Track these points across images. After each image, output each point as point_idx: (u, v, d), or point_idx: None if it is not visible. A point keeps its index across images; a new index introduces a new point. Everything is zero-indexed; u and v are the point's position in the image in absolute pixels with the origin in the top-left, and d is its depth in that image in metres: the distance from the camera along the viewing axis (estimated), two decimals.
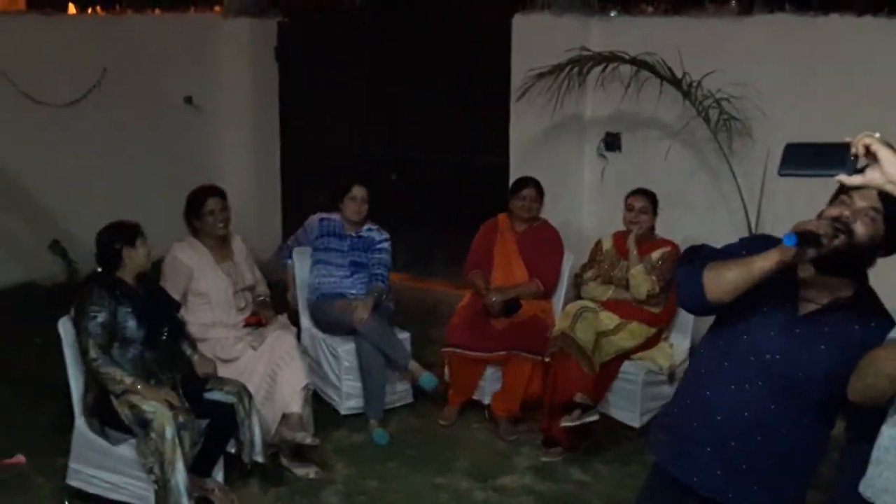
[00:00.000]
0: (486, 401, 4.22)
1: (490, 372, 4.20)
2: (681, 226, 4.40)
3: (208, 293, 3.86)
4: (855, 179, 1.61)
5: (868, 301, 2.08)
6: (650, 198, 4.09)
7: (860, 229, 1.97)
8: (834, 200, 2.02)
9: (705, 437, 2.16)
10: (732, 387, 2.11)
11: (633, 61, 4.61)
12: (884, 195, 1.65)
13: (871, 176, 1.60)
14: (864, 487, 1.89)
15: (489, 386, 4.22)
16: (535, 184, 4.36)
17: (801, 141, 1.71)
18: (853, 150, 1.61)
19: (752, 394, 2.10)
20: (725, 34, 4.70)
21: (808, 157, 1.74)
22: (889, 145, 1.57)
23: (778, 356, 2.08)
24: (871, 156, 1.58)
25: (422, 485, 3.68)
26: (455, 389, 4.24)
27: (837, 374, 1.97)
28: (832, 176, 1.62)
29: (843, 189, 2.01)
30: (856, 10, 4.37)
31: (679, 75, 4.54)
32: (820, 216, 2.00)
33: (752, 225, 4.56)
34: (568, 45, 4.76)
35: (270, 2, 6.58)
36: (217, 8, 6.66)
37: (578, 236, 4.94)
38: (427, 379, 4.08)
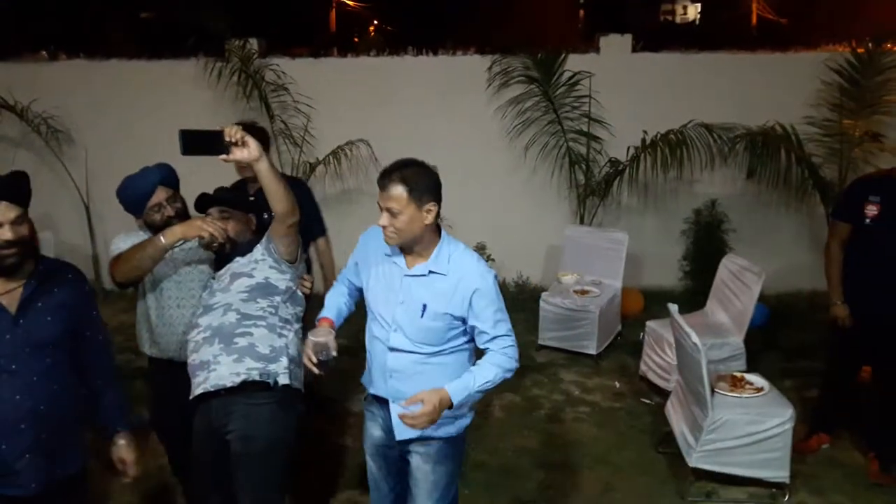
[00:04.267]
0: None
1: None
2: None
3: None
4: (232, 158, 2.44)
5: None
6: None
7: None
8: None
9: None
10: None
11: None
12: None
13: (242, 155, 2.45)
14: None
15: None
16: None
17: (189, 128, 2.23)
18: (228, 138, 2.34)
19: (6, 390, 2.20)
20: (41, 73, 6.88)
21: (199, 141, 2.26)
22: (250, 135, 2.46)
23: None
24: (242, 141, 2.42)
25: None
26: None
27: (68, 329, 2.31)
28: (219, 155, 2.37)
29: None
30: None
31: (12, 103, 6.58)
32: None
33: (86, 201, 6.92)
34: None
35: None
36: None
37: None
38: None
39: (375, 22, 19.74)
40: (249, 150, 2.46)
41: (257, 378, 2.61)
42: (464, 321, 2.49)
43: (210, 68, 6.54)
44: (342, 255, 2.72)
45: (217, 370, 2.61)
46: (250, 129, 3.38)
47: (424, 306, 2.45)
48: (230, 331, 2.66)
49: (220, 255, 2.90)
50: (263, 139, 3.42)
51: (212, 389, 2.61)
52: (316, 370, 2.43)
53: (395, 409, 2.53)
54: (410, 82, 6.70)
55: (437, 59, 6.81)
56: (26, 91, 6.65)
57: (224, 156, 2.42)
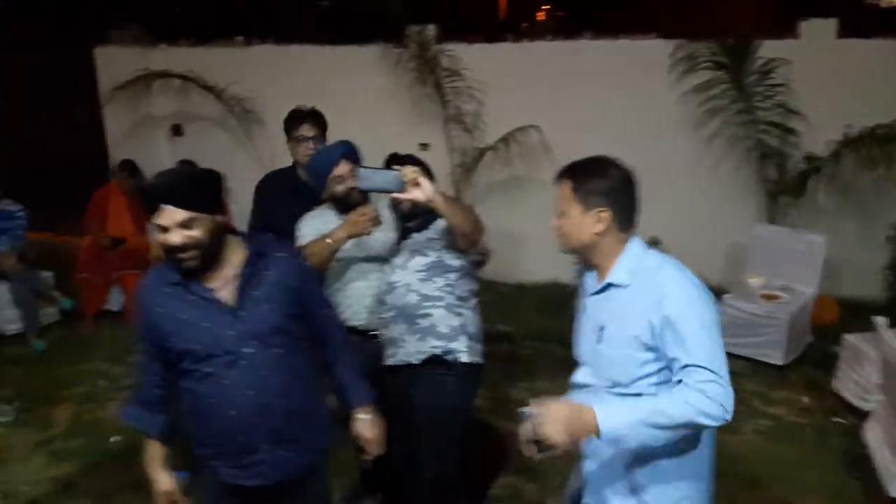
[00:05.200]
0: (116, 308, 6.17)
1: (115, 289, 6.18)
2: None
3: None
4: (406, 197, 2.53)
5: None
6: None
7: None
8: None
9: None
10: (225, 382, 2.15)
11: (181, 76, 7.05)
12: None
13: (417, 195, 2.53)
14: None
15: (116, 298, 6.20)
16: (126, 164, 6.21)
17: (366, 165, 2.50)
18: (404, 178, 2.45)
19: (237, 381, 2.15)
20: (237, 58, 7.30)
21: (377, 178, 2.43)
22: (423, 175, 2.51)
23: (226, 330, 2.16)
24: (416, 182, 2.50)
25: (69, 371, 5.25)
26: (89, 304, 6.07)
27: (284, 317, 2.20)
28: (392, 192, 2.50)
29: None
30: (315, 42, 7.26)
31: (212, 85, 7.06)
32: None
33: None
34: (135, 66, 7.06)
35: None
36: None
37: None
38: (64, 302, 6.09)
39: (546, 7, 19.50)
40: (423, 191, 2.51)
41: (440, 353, 2.81)
42: (657, 350, 1.95)
43: (389, 54, 6.65)
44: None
45: (404, 347, 2.86)
46: (314, 115, 3.57)
47: (602, 328, 2.05)
48: (412, 312, 2.85)
49: (403, 217, 2.97)
50: (323, 125, 3.59)
51: (400, 364, 2.87)
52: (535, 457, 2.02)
53: (586, 466, 2.22)
54: (586, 67, 6.48)
55: (615, 44, 6.53)
56: (224, 74, 7.11)
57: (398, 195, 2.51)
